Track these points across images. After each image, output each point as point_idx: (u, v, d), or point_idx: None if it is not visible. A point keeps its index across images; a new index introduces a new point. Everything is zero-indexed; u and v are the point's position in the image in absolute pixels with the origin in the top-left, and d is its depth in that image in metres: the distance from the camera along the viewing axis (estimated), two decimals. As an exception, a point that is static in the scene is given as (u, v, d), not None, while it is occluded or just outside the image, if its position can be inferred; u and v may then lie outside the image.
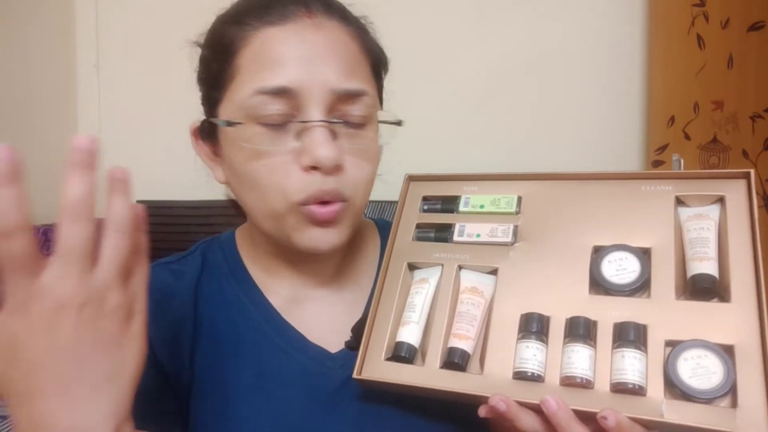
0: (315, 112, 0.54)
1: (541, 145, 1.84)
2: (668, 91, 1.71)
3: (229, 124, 0.55)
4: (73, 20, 2.01)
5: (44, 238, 1.55)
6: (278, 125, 0.54)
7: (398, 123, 0.61)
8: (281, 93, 0.53)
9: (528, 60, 1.85)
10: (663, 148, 1.71)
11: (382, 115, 0.60)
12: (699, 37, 1.69)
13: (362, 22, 0.61)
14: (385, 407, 0.59)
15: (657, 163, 1.73)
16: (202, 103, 0.62)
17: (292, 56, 0.54)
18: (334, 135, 0.55)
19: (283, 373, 0.60)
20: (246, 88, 0.54)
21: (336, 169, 0.55)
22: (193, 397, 0.60)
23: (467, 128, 1.89)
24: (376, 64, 0.62)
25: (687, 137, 1.70)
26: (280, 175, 0.55)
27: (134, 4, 1.95)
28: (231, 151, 0.57)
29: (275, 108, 0.54)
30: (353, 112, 0.56)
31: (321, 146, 0.53)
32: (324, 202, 0.56)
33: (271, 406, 0.58)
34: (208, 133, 0.61)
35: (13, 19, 1.75)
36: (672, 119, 1.70)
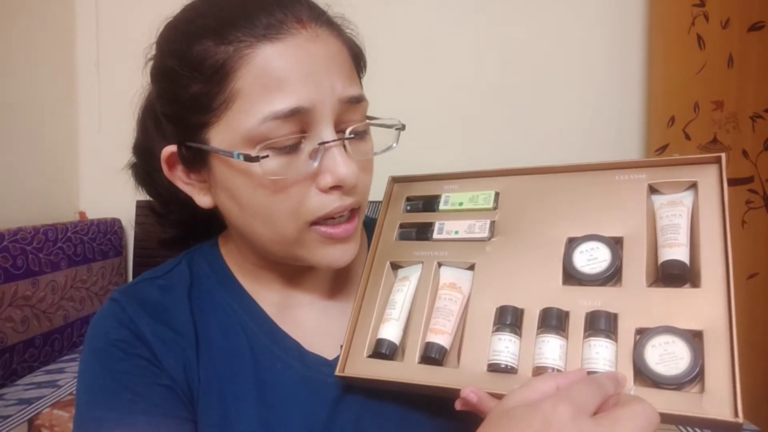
0: (327, 128, 0.52)
1: (541, 145, 1.83)
2: (668, 91, 1.70)
3: (248, 158, 0.51)
4: (73, 20, 2.01)
5: (44, 238, 1.53)
6: (290, 146, 0.52)
7: (402, 127, 0.60)
8: (294, 114, 0.50)
9: (527, 60, 1.84)
10: (663, 148, 1.70)
11: (385, 120, 0.60)
12: (699, 37, 1.68)
13: (346, 27, 0.60)
14: (385, 411, 0.59)
15: (658, 164, 1.71)
16: (173, 126, 0.57)
17: (298, 73, 0.50)
18: (346, 149, 0.54)
19: (282, 382, 0.59)
20: (254, 114, 0.50)
21: (356, 185, 0.55)
22: (198, 411, 0.58)
23: (464, 130, 1.88)
24: (359, 67, 0.61)
25: (687, 137, 1.69)
26: (296, 199, 0.53)
27: (134, 3, 1.96)
28: (232, 179, 0.54)
29: (287, 130, 0.51)
30: (356, 119, 0.55)
31: (342, 166, 0.52)
32: (336, 217, 0.55)
33: (272, 416, 0.58)
34: (190, 159, 0.57)
35: (13, 19, 1.75)
36: (672, 119, 1.69)
